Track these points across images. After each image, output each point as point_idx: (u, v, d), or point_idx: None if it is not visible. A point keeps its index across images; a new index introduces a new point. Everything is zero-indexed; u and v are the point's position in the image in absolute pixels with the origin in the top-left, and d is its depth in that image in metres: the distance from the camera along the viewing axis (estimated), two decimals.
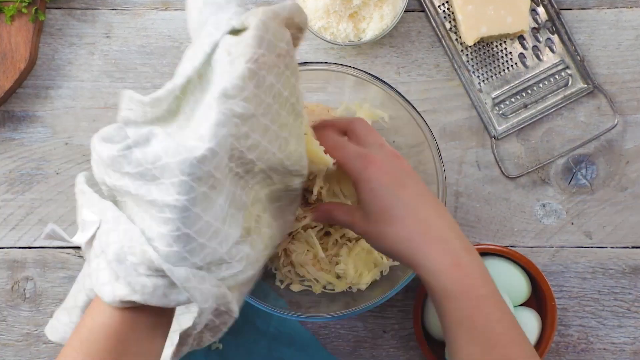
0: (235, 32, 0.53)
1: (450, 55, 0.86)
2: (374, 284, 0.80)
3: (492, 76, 0.86)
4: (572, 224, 0.86)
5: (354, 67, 0.76)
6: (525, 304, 0.83)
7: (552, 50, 0.86)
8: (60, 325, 0.62)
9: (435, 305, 0.60)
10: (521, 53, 0.86)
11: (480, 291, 0.58)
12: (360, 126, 0.66)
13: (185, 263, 0.51)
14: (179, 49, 0.87)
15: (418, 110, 0.75)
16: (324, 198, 0.72)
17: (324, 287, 0.80)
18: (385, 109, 0.80)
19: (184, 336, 0.55)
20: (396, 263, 0.80)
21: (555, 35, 0.86)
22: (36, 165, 0.86)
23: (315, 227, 0.77)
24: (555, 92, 0.86)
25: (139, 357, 0.54)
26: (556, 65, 0.86)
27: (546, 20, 0.86)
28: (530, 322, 0.80)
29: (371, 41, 0.84)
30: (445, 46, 0.86)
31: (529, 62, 0.86)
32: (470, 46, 0.86)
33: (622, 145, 0.86)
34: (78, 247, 0.85)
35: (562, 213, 0.86)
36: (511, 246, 0.86)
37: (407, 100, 0.75)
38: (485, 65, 0.86)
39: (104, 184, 0.56)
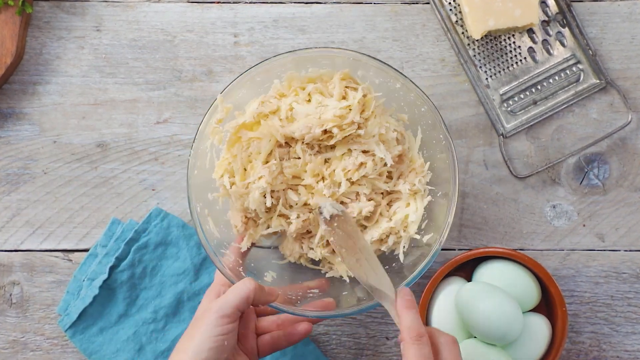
0: None
1: (456, 49, 0.84)
2: None
3: (500, 71, 0.84)
4: (584, 226, 0.84)
5: (361, 53, 0.73)
6: (535, 309, 0.81)
7: (562, 44, 0.84)
8: None
9: None
10: (530, 47, 0.84)
11: None
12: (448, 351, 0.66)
13: None
14: (172, 43, 0.85)
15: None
16: None
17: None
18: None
19: None
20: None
21: (566, 28, 0.84)
22: (23, 164, 0.84)
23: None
24: (566, 88, 0.84)
25: None
26: (567, 59, 0.84)
27: (556, 13, 0.84)
28: (540, 329, 0.79)
29: None
30: (451, 40, 0.84)
31: (538, 57, 0.84)
32: (477, 40, 0.84)
33: (636, 143, 0.84)
34: (66, 250, 0.83)
35: (573, 214, 0.84)
36: (520, 249, 0.84)
37: (416, 85, 0.73)
38: (493, 60, 0.84)
39: None
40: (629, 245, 0.84)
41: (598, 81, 0.84)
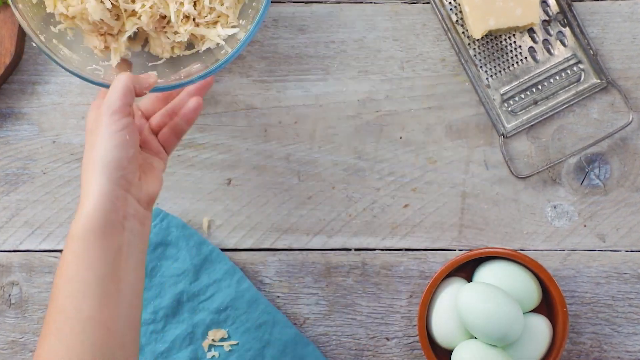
0: None
1: (456, 49, 0.83)
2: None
3: (500, 71, 0.83)
4: (585, 226, 0.83)
5: None
6: (536, 310, 0.81)
7: (563, 44, 0.84)
8: None
9: None
10: (531, 47, 0.84)
11: None
12: None
13: None
14: None
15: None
16: None
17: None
18: None
19: None
20: None
21: (567, 28, 0.84)
22: (22, 164, 0.84)
23: None
24: (567, 88, 0.83)
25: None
26: (568, 59, 0.84)
27: (557, 13, 0.84)
28: (540, 329, 0.78)
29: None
30: (452, 40, 0.83)
31: (539, 57, 0.84)
32: (477, 40, 0.83)
33: (637, 143, 0.84)
34: None
35: (574, 215, 0.83)
36: (520, 250, 0.83)
37: None
38: (494, 60, 0.83)
39: None
40: (630, 246, 0.83)
41: (599, 81, 0.83)
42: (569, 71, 0.84)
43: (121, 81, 0.65)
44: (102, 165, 0.63)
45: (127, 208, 0.63)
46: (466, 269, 0.82)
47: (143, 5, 0.72)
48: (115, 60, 0.74)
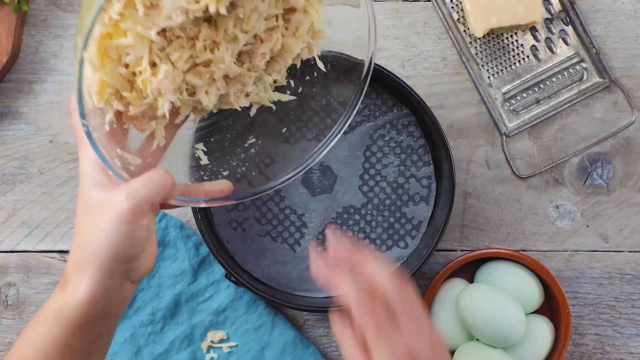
0: None
1: (458, 47, 0.83)
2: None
3: (502, 70, 0.83)
4: (588, 226, 0.83)
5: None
6: (538, 311, 0.80)
7: (566, 43, 0.83)
8: None
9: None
10: (533, 45, 0.83)
11: None
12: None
13: None
14: None
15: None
16: None
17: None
18: None
19: None
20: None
21: (570, 26, 0.83)
22: (19, 164, 0.83)
23: None
24: (569, 87, 0.83)
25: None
26: (570, 58, 0.83)
27: (560, 11, 0.83)
28: (543, 331, 0.78)
29: None
30: (453, 38, 0.83)
31: (541, 55, 0.83)
32: (479, 38, 0.83)
33: None
34: (63, 251, 0.82)
35: (576, 215, 0.83)
36: (523, 250, 0.83)
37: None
38: (495, 59, 0.83)
39: None
40: (632, 246, 0.83)
41: (602, 80, 0.83)
42: (571, 70, 0.83)
43: (164, 185, 0.55)
44: (107, 258, 0.54)
45: (121, 295, 0.57)
46: (467, 270, 0.81)
47: (206, 92, 0.61)
48: (156, 143, 0.62)
